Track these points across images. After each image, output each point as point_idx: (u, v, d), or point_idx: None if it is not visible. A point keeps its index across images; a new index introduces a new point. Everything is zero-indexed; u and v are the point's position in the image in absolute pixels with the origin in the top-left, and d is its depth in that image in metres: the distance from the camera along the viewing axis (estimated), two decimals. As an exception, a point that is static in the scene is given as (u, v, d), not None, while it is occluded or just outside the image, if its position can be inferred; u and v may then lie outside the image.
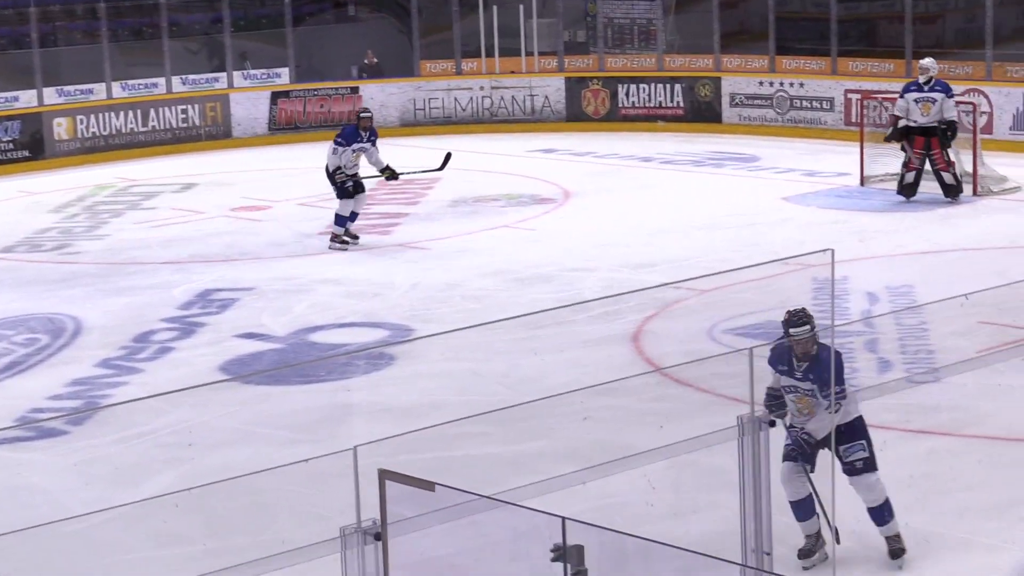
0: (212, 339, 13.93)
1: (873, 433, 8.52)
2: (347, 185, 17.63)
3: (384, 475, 5.14)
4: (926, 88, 18.55)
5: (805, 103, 24.65)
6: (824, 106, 24.40)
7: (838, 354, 8.25)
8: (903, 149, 18.61)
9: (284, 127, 26.62)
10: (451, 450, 9.96)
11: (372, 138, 18.08)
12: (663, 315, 14.01)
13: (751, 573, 5.17)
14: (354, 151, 17.76)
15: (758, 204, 19.11)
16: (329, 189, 17.96)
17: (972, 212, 18.22)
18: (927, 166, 18.65)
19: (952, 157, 18.71)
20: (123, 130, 25.42)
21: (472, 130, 26.60)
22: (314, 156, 24.15)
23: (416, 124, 26.98)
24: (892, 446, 10.23)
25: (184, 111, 25.99)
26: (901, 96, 18.77)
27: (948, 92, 18.57)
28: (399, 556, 5.10)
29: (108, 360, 13.34)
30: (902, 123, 18.57)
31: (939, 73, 19.19)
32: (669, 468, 7.96)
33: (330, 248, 17.56)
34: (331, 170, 17.72)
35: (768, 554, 7.43)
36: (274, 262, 17.08)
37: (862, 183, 19.71)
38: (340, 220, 17.69)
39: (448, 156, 18.63)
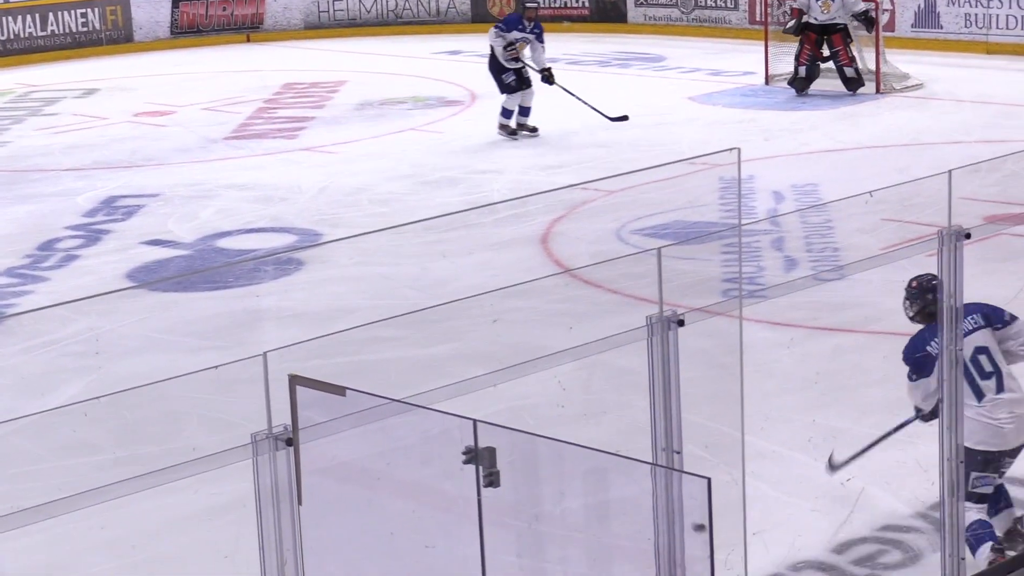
0: (118, 246, 13.77)
1: (780, 331, 8.59)
2: (509, 80, 17.19)
3: (294, 380, 5.11)
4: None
5: (710, 2, 24.63)
6: (729, 4, 24.38)
7: None
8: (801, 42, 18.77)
9: (187, 30, 26.25)
10: (362, 354, 9.93)
11: (537, 31, 17.48)
12: (571, 216, 14.01)
13: (661, 471, 5.20)
14: (517, 41, 17.25)
15: (664, 104, 19.12)
16: (235, 93, 17.75)
17: (875, 110, 18.33)
18: (830, 64, 18.77)
19: (855, 52, 18.81)
20: (21, 35, 24.95)
21: (377, 32, 26.39)
22: (218, 59, 23.94)
23: (320, 26, 26.71)
24: (799, 343, 10.33)
25: (84, 15, 25.55)
26: None
27: None
28: (311, 462, 5.08)
29: (12, 269, 13.16)
30: (805, 18, 18.68)
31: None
32: (579, 369, 7.98)
33: (498, 134, 17.30)
34: (494, 57, 17.30)
35: (678, 452, 7.47)
36: (179, 168, 16.89)
37: (767, 82, 19.76)
38: (505, 112, 17.38)
39: (625, 118, 17.74)
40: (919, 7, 22.20)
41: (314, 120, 19.18)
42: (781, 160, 15.98)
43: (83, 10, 25.52)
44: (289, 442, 5.07)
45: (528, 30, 17.39)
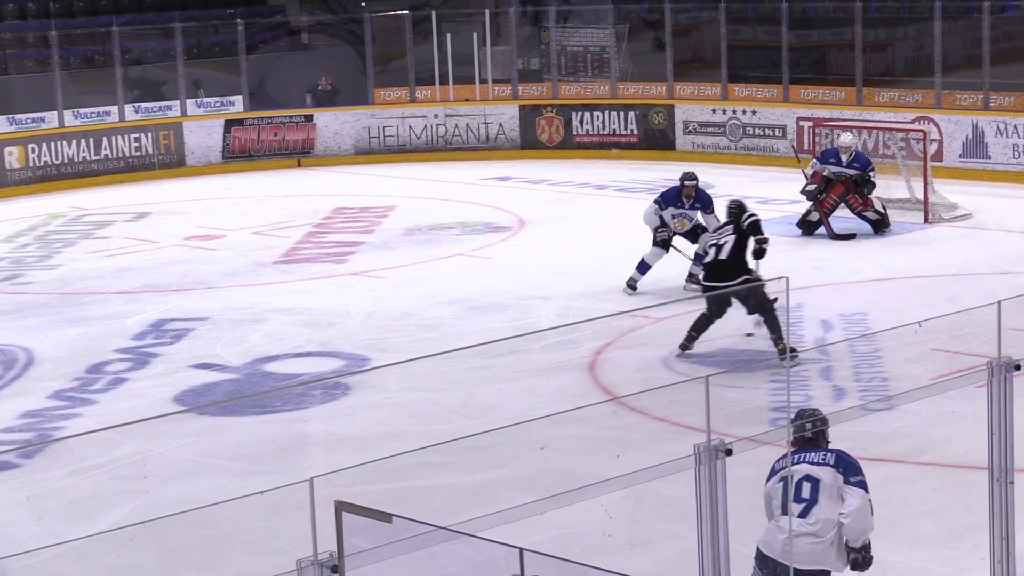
0: (166, 370, 13.87)
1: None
2: (663, 239, 16.17)
3: (340, 506, 5.13)
4: (845, 163, 18.75)
5: (758, 131, 24.79)
6: (776, 133, 24.54)
7: None
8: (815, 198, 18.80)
9: (238, 155, 26.57)
10: (408, 480, 9.94)
11: (699, 205, 16.38)
12: (619, 343, 14.03)
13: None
14: (674, 217, 16.35)
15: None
16: (285, 217, 17.96)
17: (924, 239, 18.35)
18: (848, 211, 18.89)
19: (907, 186, 18.89)
20: (75, 159, 25.31)
21: (426, 158, 26.62)
22: (268, 184, 24.20)
23: (371, 152, 26.97)
24: (848, 473, 10.28)
25: (137, 139, 25.91)
26: (820, 159, 18.98)
27: (866, 167, 18.75)
28: (357, 589, 5.09)
29: (61, 392, 13.27)
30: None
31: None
32: (626, 498, 7.97)
33: (627, 289, 16.17)
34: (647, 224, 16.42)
35: (726, 583, 7.43)
36: (228, 291, 17.02)
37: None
38: (642, 266, 16.18)
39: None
40: (967, 137, 22.29)
41: (363, 245, 19.33)
42: (830, 289, 15.99)
43: (136, 135, 25.88)
44: (335, 569, 5.09)
45: (688, 205, 16.37)
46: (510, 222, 20.45)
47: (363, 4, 28.99)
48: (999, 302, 7.58)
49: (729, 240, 13.65)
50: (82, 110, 25.89)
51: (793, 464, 7.67)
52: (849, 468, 7.66)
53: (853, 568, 7.54)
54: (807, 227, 18.87)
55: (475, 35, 27.57)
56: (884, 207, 18.92)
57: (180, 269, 18.31)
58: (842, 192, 18.76)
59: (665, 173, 23.94)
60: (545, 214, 20.71)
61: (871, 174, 18.75)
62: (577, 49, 27.77)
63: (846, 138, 19.07)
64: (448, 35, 27.54)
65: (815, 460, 7.71)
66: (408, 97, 27.39)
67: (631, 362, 13.58)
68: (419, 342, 14.42)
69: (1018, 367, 6.92)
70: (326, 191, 23.80)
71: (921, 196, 19.16)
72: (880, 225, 18.80)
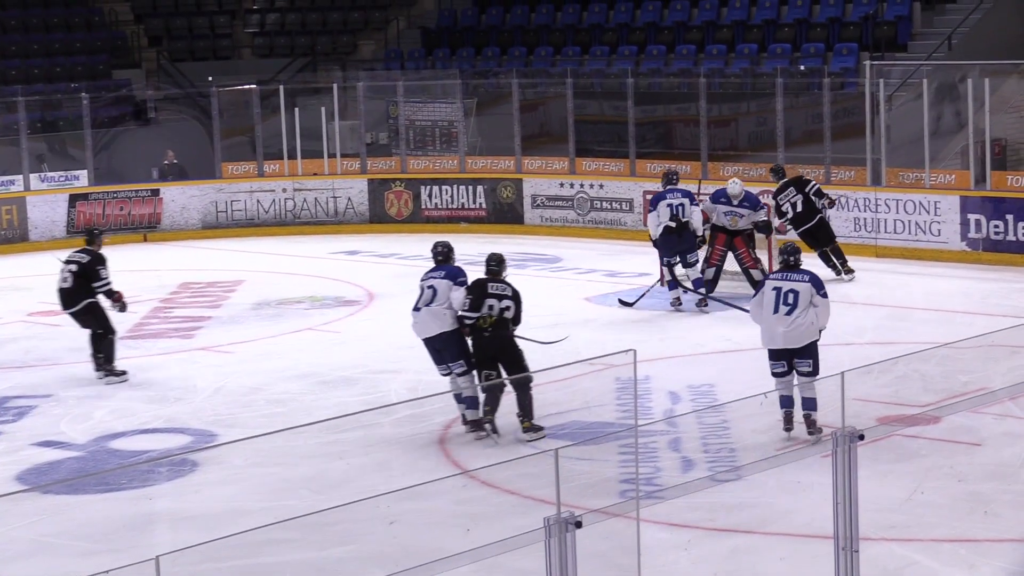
0: (8, 448, 13.59)
1: (677, 533, 8.60)
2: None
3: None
4: (735, 203, 19.04)
5: (605, 204, 25.04)
6: (624, 207, 24.80)
7: None
8: (704, 242, 19.09)
9: (83, 230, 26.20)
10: (257, 557, 9.83)
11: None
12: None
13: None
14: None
15: (561, 304, 19.29)
16: (132, 292, 17.70)
17: (769, 311, 18.58)
18: (735, 266, 19.12)
19: (758, 255, 19.17)
20: (-85, 234, 24.85)
21: (275, 232, 26.53)
22: (114, 259, 23.79)
23: (218, 226, 26.80)
24: (697, 544, 10.35)
25: (-23, 214, 25.50)
26: (712, 200, 19.18)
27: (755, 206, 19.08)
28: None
29: (-101, 471, 12.93)
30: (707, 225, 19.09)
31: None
32: (476, 572, 7.94)
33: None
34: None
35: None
36: (73, 367, 16.74)
37: (662, 283, 20.02)
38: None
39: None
40: (810, 210, 22.67)
41: (211, 319, 19.16)
42: (677, 361, 16.15)
43: (-22, 209, 25.49)
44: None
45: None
46: (359, 296, 20.41)
47: (210, 79, 28.86)
48: (842, 373, 7.71)
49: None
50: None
51: (781, 281, 12.91)
52: (818, 284, 12.88)
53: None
54: (707, 286, 18.99)
55: (323, 109, 27.58)
56: (765, 271, 19.13)
57: (23, 345, 18.00)
58: (724, 241, 18.97)
59: (514, 246, 24.08)
60: (395, 287, 20.67)
61: (763, 218, 19.05)
62: (425, 124, 27.91)
63: (733, 185, 19.23)
64: (296, 109, 27.53)
65: (796, 279, 12.93)
66: (256, 171, 27.30)
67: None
68: (268, 417, 14.30)
69: (861, 437, 7.04)
70: (173, 266, 23.58)
71: (766, 268, 19.44)
72: (760, 286, 18.96)
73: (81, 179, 26.53)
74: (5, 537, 11.04)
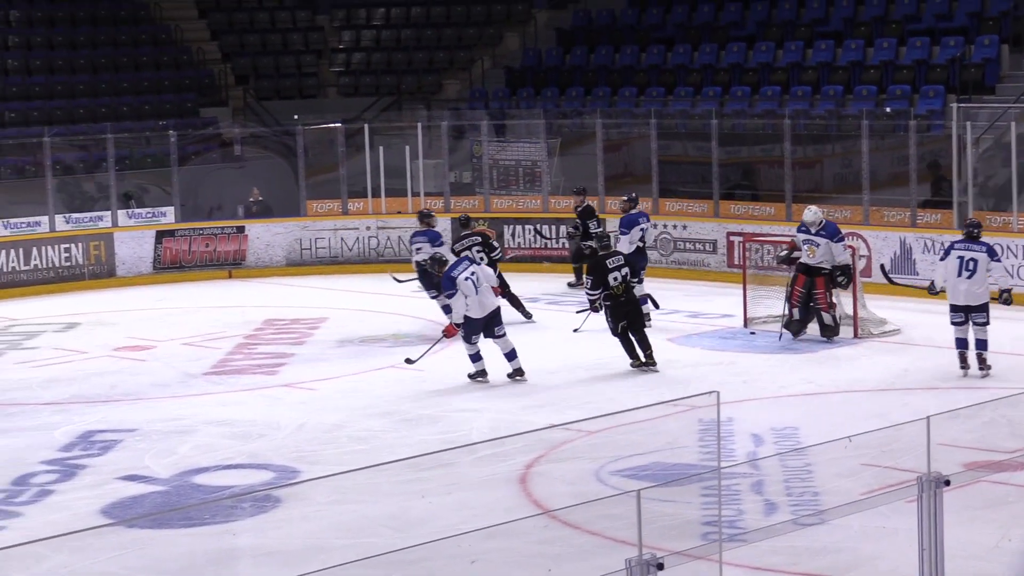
0: (94, 482, 13.72)
1: (761, 576, 8.53)
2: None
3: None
4: (812, 231, 18.97)
5: (688, 245, 24.98)
6: (707, 248, 24.74)
7: None
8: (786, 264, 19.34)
9: (169, 266, 26.50)
10: (338, 595, 9.83)
11: (824, 233, 19.07)
12: (550, 456, 14.01)
13: None
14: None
15: (644, 345, 19.22)
16: (216, 329, 17.88)
17: (853, 354, 18.47)
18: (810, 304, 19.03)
19: (834, 299, 19.05)
20: (4, 269, 25.15)
21: (359, 270, 26.65)
22: (199, 295, 24.10)
23: (302, 263, 26.98)
24: (779, 588, 10.26)
25: (67, 250, 25.79)
26: (797, 230, 19.29)
27: (833, 236, 18.98)
28: None
29: (-14, 504, 13.09)
30: (796, 254, 19.04)
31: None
32: (558, 612, 7.93)
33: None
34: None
35: None
36: (158, 402, 16.90)
37: (745, 324, 19.95)
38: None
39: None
40: (895, 253, 22.54)
41: (294, 356, 19.26)
42: (760, 403, 16.06)
43: (67, 245, 25.76)
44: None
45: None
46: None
47: (296, 117, 29.13)
48: (928, 417, 7.65)
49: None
50: (12, 220, 25.78)
51: (964, 251, 16.70)
52: (993, 254, 16.74)
53: (1004, 303, 17.12)
54: (794, 327, 18.93)
55: (407, 148, 27.73)
56: (838, 318, 19.03)
57: (109, 380, 18.17)
58: (803, 283, 18.86)
59: (596, 287, 24.04)
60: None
61: (844, 260, 18.90)
62: (509, 163, 27.98)
63: (810, 214, 19.18)
64: (380, 148, 27.70)
65: (976, 249, 16.70)
66: (340, 209, 27.47)
67: (563, 475, 13.55)
68: (350, 454, 14.35)
69: (947, 482, 6.97)
70: (257, 302, 23.74)
71: (850, 311, 19.32)
72: (831, 332, 18.92)
73: (168, 216, 26.80)
74: (90, 571, 11.13)
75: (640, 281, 19.76)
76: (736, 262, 23.30)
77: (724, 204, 25.06)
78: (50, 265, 25.53)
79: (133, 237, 26.33)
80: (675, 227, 25.16)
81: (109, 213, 26.45)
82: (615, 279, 17.61)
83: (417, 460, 13.47)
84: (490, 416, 15.72)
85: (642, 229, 20.78)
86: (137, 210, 26.75)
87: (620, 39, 32.11)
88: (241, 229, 26.99)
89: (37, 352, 20.10)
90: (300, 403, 16.69)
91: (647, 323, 18.63)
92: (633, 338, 17.64)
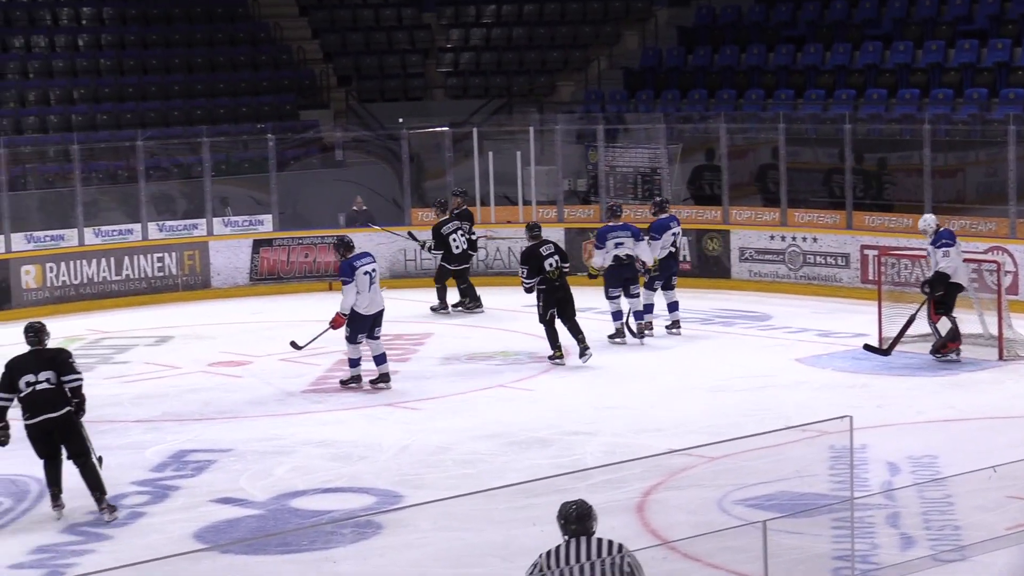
0: (186, 504, 13.88)
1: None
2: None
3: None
4: (928, 241, 19.02)
5: (819, 259, 24.82)
6: (839, 262, 24.57)
7: None
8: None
9: (266, 277, 26.74)
10: (443, 628, 9.89)
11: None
12: (669, 483, 13.98)
13: None
14: None
15: (770, 365, 19.16)
16: (315, 344, 18.03)
17: (998, 377, 18.26)
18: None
19: (980, 321, 18.88)
20: (95, 279, 25.51)
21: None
22: (298, 308, 24.30)
23: (406, 276, 27.11)
24: (917, 628, 10.17)
25: (160, 259, 26.12)
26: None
27: (936, 242, 18.91)
28: None
29: (74, 526, 13.29)
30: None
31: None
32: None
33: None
34: None
35: None
36: (254, 421, 17.07)
37: (880, 344, 19.78)
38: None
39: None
40: (1044, 268, 22.26)
41: (397, 374, 19.35)
42: (896, 429, 15.92)
43: (160, 255, 26.09)
44: None
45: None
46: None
47: (400, 120, 29.30)
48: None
49: None
50: (103, 228, 26.15)
51: None
52: None
53: None
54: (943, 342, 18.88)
55: (518, 153, 27.80)
56: (943, 333, 18.88)
57: (203, 397, 18.37)
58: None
59: (719, 302, 24.02)
60: (590, 344, 20.69)
61: (941, 268, 18.75)
62: (627, 170, 27.97)
63: (923, 223, 19.14)
64: (490, 153, 27.77)
65: None
66: (447, 218, 27.54)
67: (682, 504, 13.52)
68: (456, 479, 14.40)
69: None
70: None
71: (995, 332, 19.10)
72: (933, 349, 18.83)
73: (265, 224, 27.06)
74: (182, 597, 11.24)
75: (672, 288, 21.24)
76: (871, 277, 23.12)
77: (857, 215, 24.87)
78: (142, 275, 25.86)
79: (229, 246, 26.60)
80: (804, 239, 25.01)
81: (204, 221, 26.74)
82: (550, 265, 19.29)
83: (527, 486, 13.48)
84: (604, 439, 15.72)
85: (674, 234, 21.42)
86: (233, 218, 27.02)
87: (746, 38, 32.01)
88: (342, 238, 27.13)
89: (128, 367, 20.36)
90: (403, 423, 16.78)
91: (677, 330, 20.80)
92: (565, 327, 19.37)
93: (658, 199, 22.33)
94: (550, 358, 19.54)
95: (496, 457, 15.18)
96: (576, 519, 8.60)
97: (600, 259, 20.72)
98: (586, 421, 16.53)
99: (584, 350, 19.42)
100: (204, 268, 26.46)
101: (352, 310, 18.18)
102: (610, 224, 20.96)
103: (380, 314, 18.47)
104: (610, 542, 8.48)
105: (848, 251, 24.48)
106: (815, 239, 24.95)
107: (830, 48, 30.52)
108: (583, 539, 8.48)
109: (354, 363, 18.41)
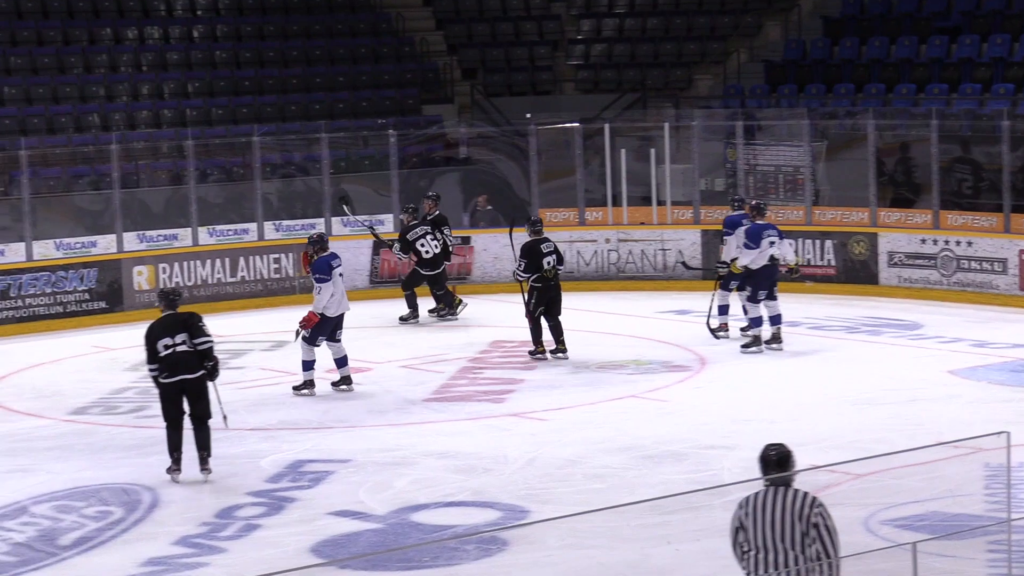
0: (303, 516, 14.00)
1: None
2: None
3: None
4: None
5: (974, 264, 24.56)
6: (996, 267, 24.29)
7: None
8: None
9: (387, 280, 26.86)
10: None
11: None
12: (812, 502, 13.87)
13: None
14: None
15: (921, 377, 18.99)
16: (438, 350, 18.12)
17: None
18: None
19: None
20: (209, 280, 25.78)
21: (596, 287, 26.70)
22: (420, 313, 24.38)
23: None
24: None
25: (277, 260, 26.34)
26: None
27: None
28: None
29: (187, 538, 13.44)
30: None
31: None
32: None
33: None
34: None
35: None
36: (373, 431, 17.18)
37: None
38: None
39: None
40: None
41: (524, 383, 19.40)
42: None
43: (276, 255, 26.31)
44: None
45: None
46: (689, 361, 20.41)
47: (528, 115, 29.33)
48: None
49: None
50: (217, 227, 26.41)
51: None
52: None
53: None
54: None
55: (652, 151, 27.76)
56: None
57: (321, 405, 18.51)
58: None
59: (866, 310, 23.82)
60: (728, 353, 20.64)
61: None
62: (768, 168, 27.83)
63: None
64: (622, 151, 27.75)
65: None
66: (576, 219, 27.59)
67: (826, 524, 13.41)
68: (585, 494, 14.41)
69: None
70: (483, 322, 23.95)
71: None
72: None
73: (386, 224, 27.17)
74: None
75: (775, 298, 21.02)
76: (1030, 283, 22.86)
77: (1015, 218, 24.56)
78: (258, 277, 26.10)
79: (348, 247, 26.69)
80: (958, 243, 24.75)
81: (322, 221, 26.92)
82: (548, 263, 20.42)
83: (661, 502, 13.48)
84: (743, 454, 15.62)
85: (771, 242, 20.97)
86: (353, 218, 27.14)
87: (897, 29, 31.73)
88: (466, 240, 27.27)
89: (243, 372, 20.56)
90: (530, 435, 16.81)
91: (778, 345, 20.77)
92: (547, 324, 20.52)
93: (755, 203, 21.79)
94: (530, 353, 20.62)
95: (627, 471, 15.17)
96: (776, 463, 9.38)
97: (749, 259, 20.52)
98: (723, 434, 16.47)
99: (562, 351, 20.53)
100: (323, 270, 26.58)
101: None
102: (759, 223, 20.80)
103: (342, 317, 19.03)
104: (804, 495, 9.18)
105: (1006, 256, 24.18)
106: (969, 243, 24.68)
107: (987, 39, 30.17)
108: (780, 489, 9.20)
109: (308, 366, 18.78)
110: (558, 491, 14.60)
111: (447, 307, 23.99)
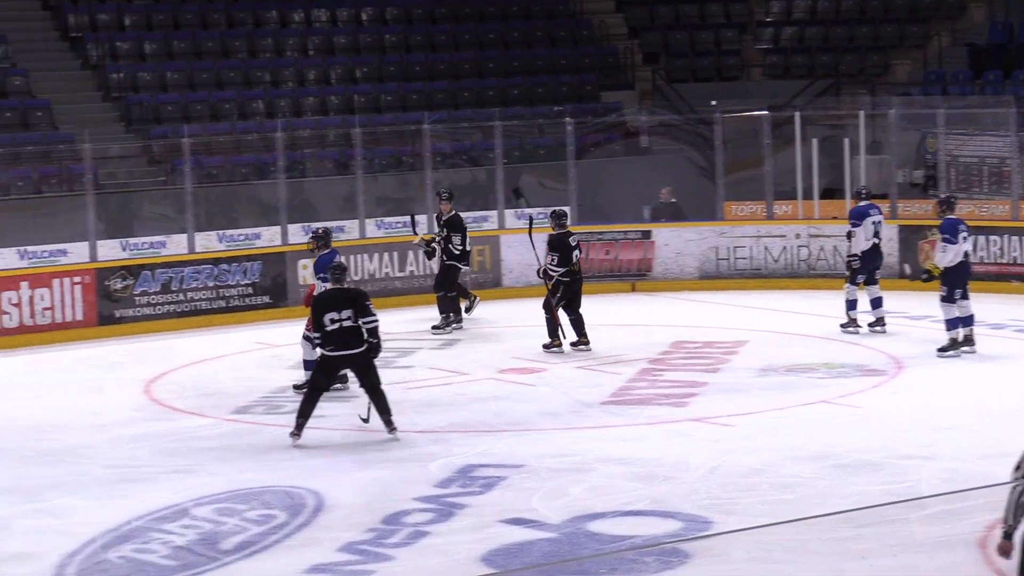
0: (474, 524, 14.02)
1: None
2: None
3: None
4: None
5: None
6: None
7: None
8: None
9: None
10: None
11: None
12: (1018, 517, 13.66)
13: None
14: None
15: None
16: (616, 351, 18.05)
17: None
18: None
19: None
20: (377, 275, 25.96)
21: (785, 285, 26.56)
22: (597, 310, 24.35)
23: (718, 276, 27.04)
24: None
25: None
26: None
27: None
28: None
29: (353, 544, 13.52)
30: None
31: None
32: None
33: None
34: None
35: None
36: (548, 435, 17.17)
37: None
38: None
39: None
40: None
41: (707, 386, 19.31)
42: None
43: (446, 249, 26.44)
44: None
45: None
46: (885, 365, 20.20)
47: (713, 103, 29.23)
48: None
49: None
50: (386, 219, 26.58)
51: None
52: None
53: None
54: None
55: (846, 141, 27.52)
56: None
57: (493, 407, 18.56)
58: None
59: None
60: (927, 357, 20.38)
61: None
62: (971, 160, 27.49)
63: None
64: (814, 140, 27.56)
65: None
66: (764, 213, 27.42)
67: (1033, 540, 13.21)
68: (772, 504, 14.30)
69: None
70: (665, 321, 23.92)
71: None
72: None
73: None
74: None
75: (876, 282, 22.37)
76: None
77: None
78: (427, 272, 26.19)
79: (522, 241, 26.79)
80: None
81: (495, 213, 27.01)
82: (576, 256, 21.38)
83: (854, 514, 13.35)
84: (943, 465, 15.46)
85: (875, 222, 22.18)
86: (527, 210, 27.19)
87: (1115, 9, 31.20)
88: (647, 234, 27.24)
89: (411, 372, 20.68)
90: (713, 441, 16.72)
91: (882, 327, 21.98)
92: (568, 318, 21.38)
93: (945, 196, 21.79)
94: (545, 347, 21.37)
95: (818, 481, 15.03)
96: None
97: (951, 256, 20.24)
98: (922, 443, 16.27)
99: (584, 343, 21.38)
100: (495, 264, 26.74)
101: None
102: (950, 217, 20.56)
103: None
104: None
105: None
106: None
107: None
108: None
109: (310, 366, 18.49)
110: (743, 501, 14.50)
111: (454, 313, 23.72)
